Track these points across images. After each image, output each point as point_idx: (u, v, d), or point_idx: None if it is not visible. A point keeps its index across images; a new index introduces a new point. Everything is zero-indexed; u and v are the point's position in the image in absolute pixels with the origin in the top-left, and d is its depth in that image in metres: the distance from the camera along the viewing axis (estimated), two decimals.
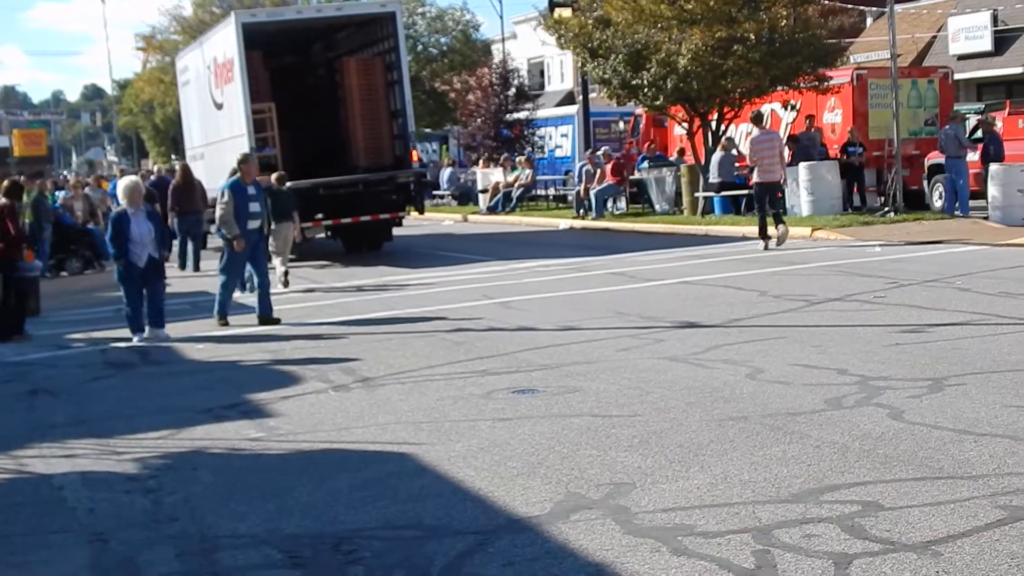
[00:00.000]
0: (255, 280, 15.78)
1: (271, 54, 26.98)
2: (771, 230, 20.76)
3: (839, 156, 27.13)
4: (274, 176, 20.39)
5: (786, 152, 27.28)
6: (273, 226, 20.03)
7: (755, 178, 21.04)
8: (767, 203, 20.84)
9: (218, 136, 27.79)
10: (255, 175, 15.65)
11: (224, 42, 25.88)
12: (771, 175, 20.77)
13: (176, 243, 24.16)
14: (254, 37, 24.86)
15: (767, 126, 30.22)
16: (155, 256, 14.38)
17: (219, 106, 27.37)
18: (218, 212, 15.34)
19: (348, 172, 25.38)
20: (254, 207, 15.28)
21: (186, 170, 25.07)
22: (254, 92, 24.53)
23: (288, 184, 20.36)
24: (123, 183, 14.89)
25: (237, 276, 15.86)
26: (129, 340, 14.33)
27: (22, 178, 24.43)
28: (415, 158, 26.53)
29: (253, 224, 15.29)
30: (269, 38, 26.38)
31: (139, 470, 8.06)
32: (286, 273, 19.93)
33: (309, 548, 6.16)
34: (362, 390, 10.36)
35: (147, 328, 14.40)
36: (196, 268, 24.15)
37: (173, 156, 61.09)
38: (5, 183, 15.83)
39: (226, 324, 15.18)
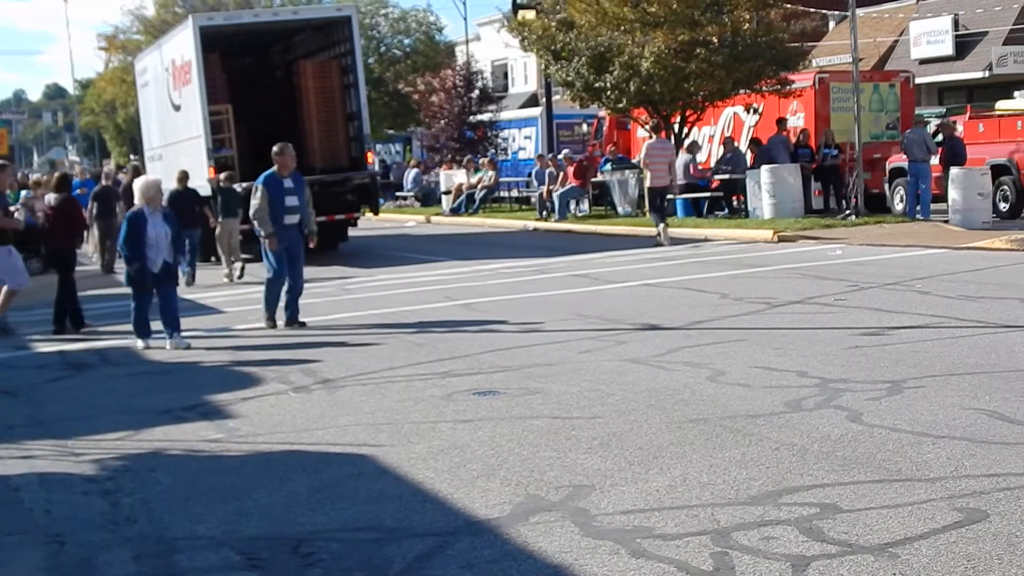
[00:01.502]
0: (265, 279, 14.66)
1: (229, 56, 26.96)
2: (659, 229, 22.79)
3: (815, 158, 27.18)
4: (223, 175, 22.23)
5: (751, 157, 27.43)
6: (221, 221, 21.07)
7: (648, 182, 23.17)
8: (658, 206, 23.09)
9: (176, 137, 27.80)
10: (291, 167, 14.47)
11: (182, 44, 25.91)
12: (661, 180, 22.92)
13: None
14: (212, 39, 24.92)
15: (734, 134, 30.47)
16: (169, 261, 13.54)
17: (177, 108, 27.38)
18: (252, 208, 14.41)
19: (304, 173, 25.23)
20: (291, 201, 14.29)
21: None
22: (211, 94, 24.74)
23: (244, 184, 21.48)
24: (140, 181, 13.79)
25: (280, 274, 14.36)
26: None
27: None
28: (370, 160, 26.70)
29: (291, 219, 14.33)
30: (227, 40, 26.37)
31: (97, 471, 7.99)
32: (242, 268, 21.49)
33: (267, 550, 6.12)
34: (322, 391, 10.32)
35: (168, 341, 13.42)
36: None
37: (133, 156, 60.72)
38: (55, 177, 16.07)
39: (274, 326, 14.40)
